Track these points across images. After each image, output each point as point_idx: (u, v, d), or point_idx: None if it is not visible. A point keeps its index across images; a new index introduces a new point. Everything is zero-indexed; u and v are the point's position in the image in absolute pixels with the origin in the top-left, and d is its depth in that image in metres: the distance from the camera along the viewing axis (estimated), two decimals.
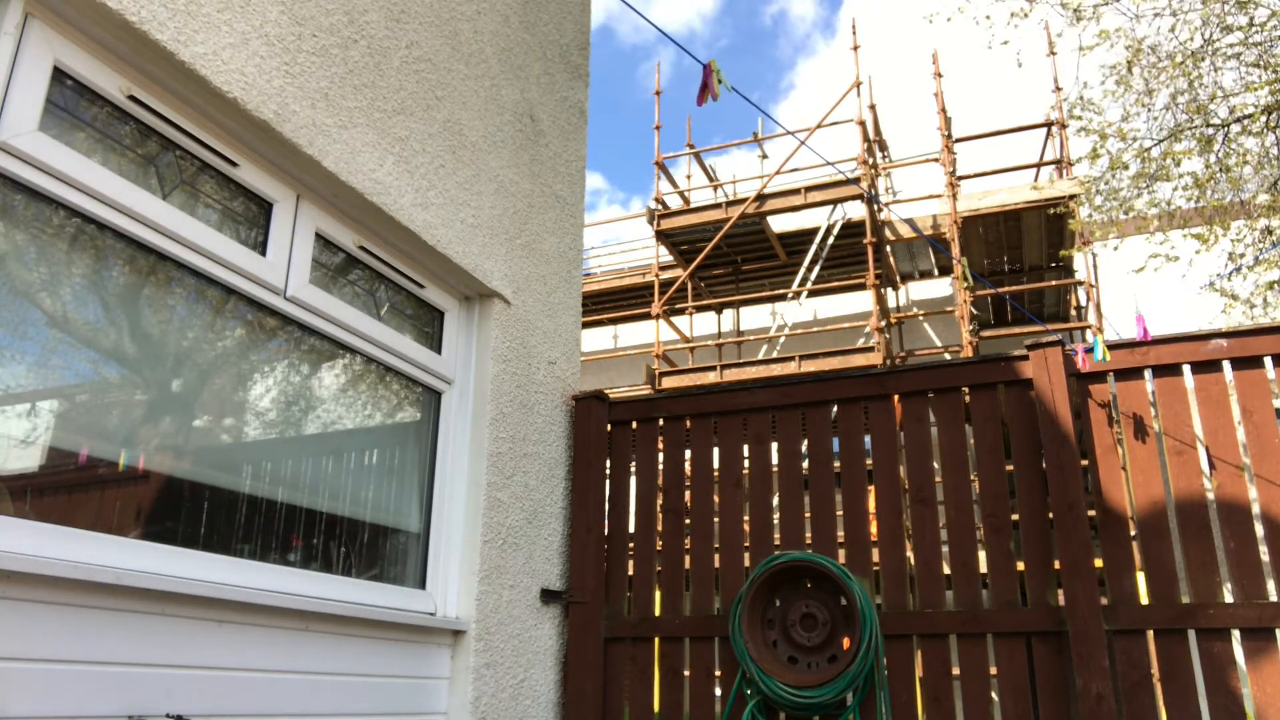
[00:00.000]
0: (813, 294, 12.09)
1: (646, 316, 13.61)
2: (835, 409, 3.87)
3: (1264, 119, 7.55)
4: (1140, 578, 3.25)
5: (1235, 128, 7.81)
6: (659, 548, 4.00)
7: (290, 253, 2.98)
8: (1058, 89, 11.09)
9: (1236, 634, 3.05)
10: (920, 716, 3.38)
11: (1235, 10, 7.58)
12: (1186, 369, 3.39)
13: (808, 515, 3.78)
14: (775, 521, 3.86)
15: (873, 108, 11.58)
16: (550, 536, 3.96)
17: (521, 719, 3.59)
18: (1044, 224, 10.95)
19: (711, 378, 10.94)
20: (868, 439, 3.78)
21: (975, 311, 11.13)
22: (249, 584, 2.62)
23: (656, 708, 3.76)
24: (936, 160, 11.58)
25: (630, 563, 4.02)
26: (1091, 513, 3.34)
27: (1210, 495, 3.23)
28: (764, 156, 13.74)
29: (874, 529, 3.65)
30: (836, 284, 11.74)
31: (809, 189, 11.11)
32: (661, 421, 4.16)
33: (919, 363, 4.23)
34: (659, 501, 4.08)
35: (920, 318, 12.45)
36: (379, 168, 3.18)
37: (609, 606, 3.95)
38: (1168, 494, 3.30)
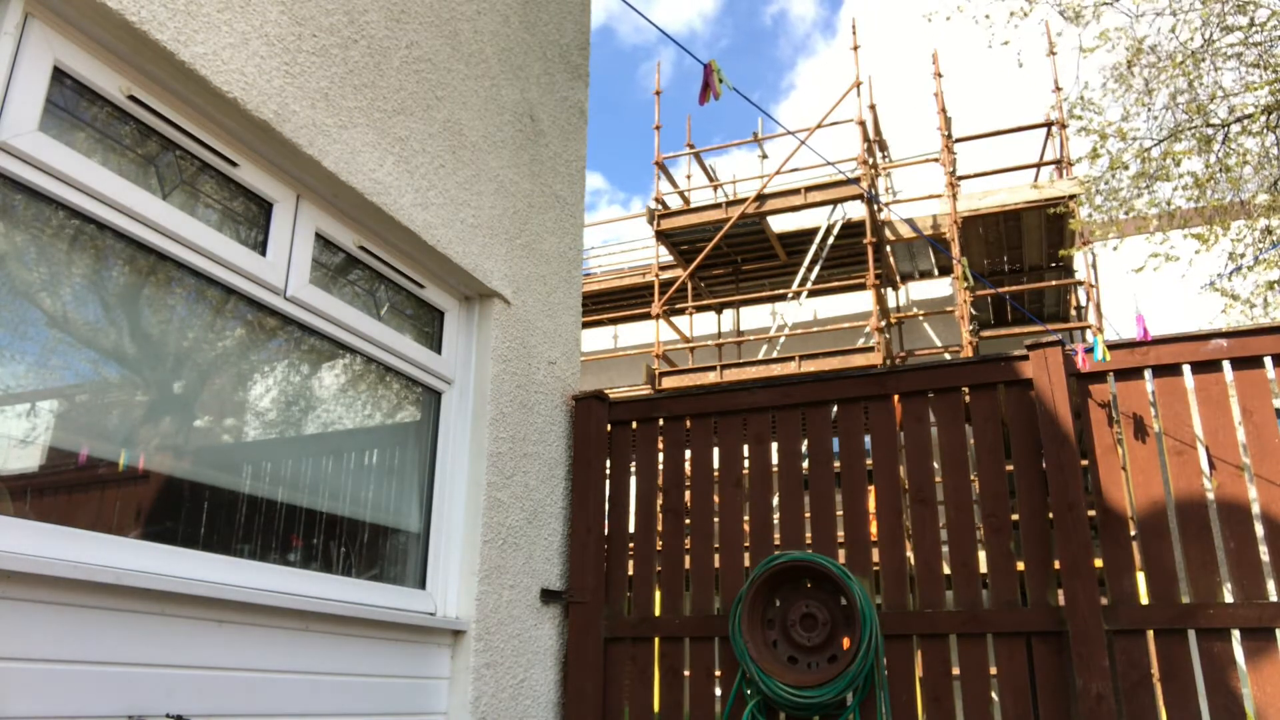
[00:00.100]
0: (813, 294, 12.09)
1: (646, 316, 13.61)
2: (835, 409, 3.87)
3: (1264, 119, 7.55)
4: (1140, 578, 3.25)
5: (1235, 128, 7.82)
6: (659, 548, 4.00)
7: (290, 253, 2.98)
8: (1058, 89, 11.10)
9: (1236, 634, 3.05)
10: (920, 716, 3.38)
11: (1235, 11, 7.58)
12: (1186, 369, 3.39)
13: (808, 515, 3.78)
14: (775, 521, 3.86)
15: (873, 108, 11.58)
16: (550, 536, 3.96)
17: (521, 719, 3.59)
18: (1044, 224, 10.95)
19: (711, 378, 10.94)
20: (868, 439, 3.78)
21: (975, 311, 11.13)
22: (249, 584, 2.62)
23: (656, 708, 3.76)
24: (936, 160, 11.58)
25: (630, 563, 4.02)
26: (1091, 513, 3.34)
27: (1210, 495, 3.23)
28: (764, 156, 13.75)
29: (874, 529, 3.65)
30: (836, 284, 11.74)
31: (809, 189, 11.11)
32: (661, 421, 4.16)
33: (919, 363, 4.23)
34: (659, 501, 4.08)
35: (920, 318, 12.45)
36: (379, 168, 3.18)
37: (609, 606, 3.96)
38: (1168, 494, 3.30)
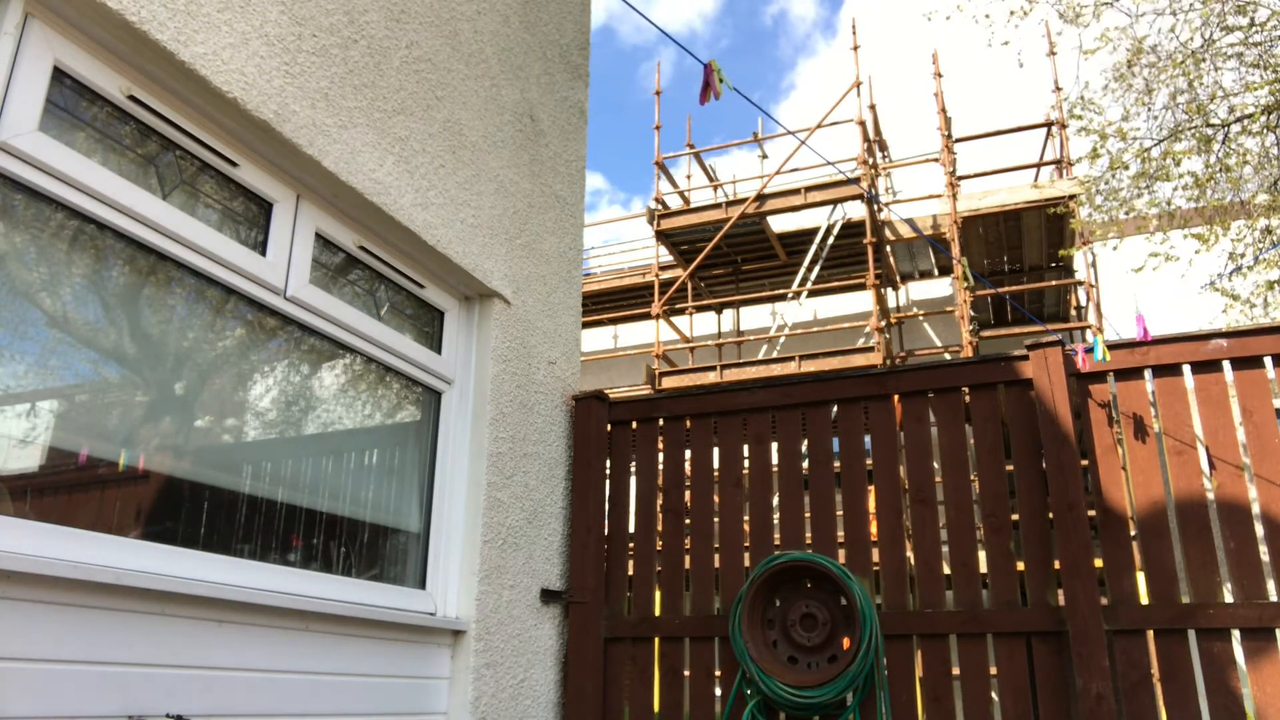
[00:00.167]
0: (813, 294, 12.09)
1: (646, 316, 13.61)
2: (835, 409, 3.87)
3: (1264, 119, 7.55)
4: (1140, 578, 3.25)
5: (1235, 128, 7.82)
6: (659, 548, 4.00)
7: (290, 253, 2.98)
8: (1058, 89, 11.10)
9: (1236, 634, 3.05)
10: (920, 716, 3.38)
11: (1235, 11, 7.58)
12: (1186, 369, 3.39)
13: (808, 515, 3.78)
14: (775, 521, 3.86)
15: (873, 108, 11.58)
16: (550, 536, 3.96)
17: (521, 719, 3.59)
18: (1044, 224, 10.95)
19: (711, 378, 10.94)
20: (868, 439, 3.78)
21: (975, 312, 11.13)
22: (249, 584, 2.62)
23: (656, 708, 3.76)
24: (936, 160, 11.58)
25: (630, 563, 4.02)
26: (1091, 513, 3.34)
27: (1210, 495, 3.23)
28: (764, 156, 13.75)
29: (874, 529, 3.65)
30: (836, 284, 11.74)
31: (809, 189, 11.11)
32: (661, 421, 4.16)
33: (919, 363, 4.23)
34: (659, 501, 4.08)
35: (920, 318, 12.45)
36: (379, 168, 3.18)
37: (609, 606, 3.95)
38: (1168, 494, 3.30)
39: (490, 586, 3.50)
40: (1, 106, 2.16)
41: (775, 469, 3.94)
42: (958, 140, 11.28)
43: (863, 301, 12.36)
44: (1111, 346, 3.48)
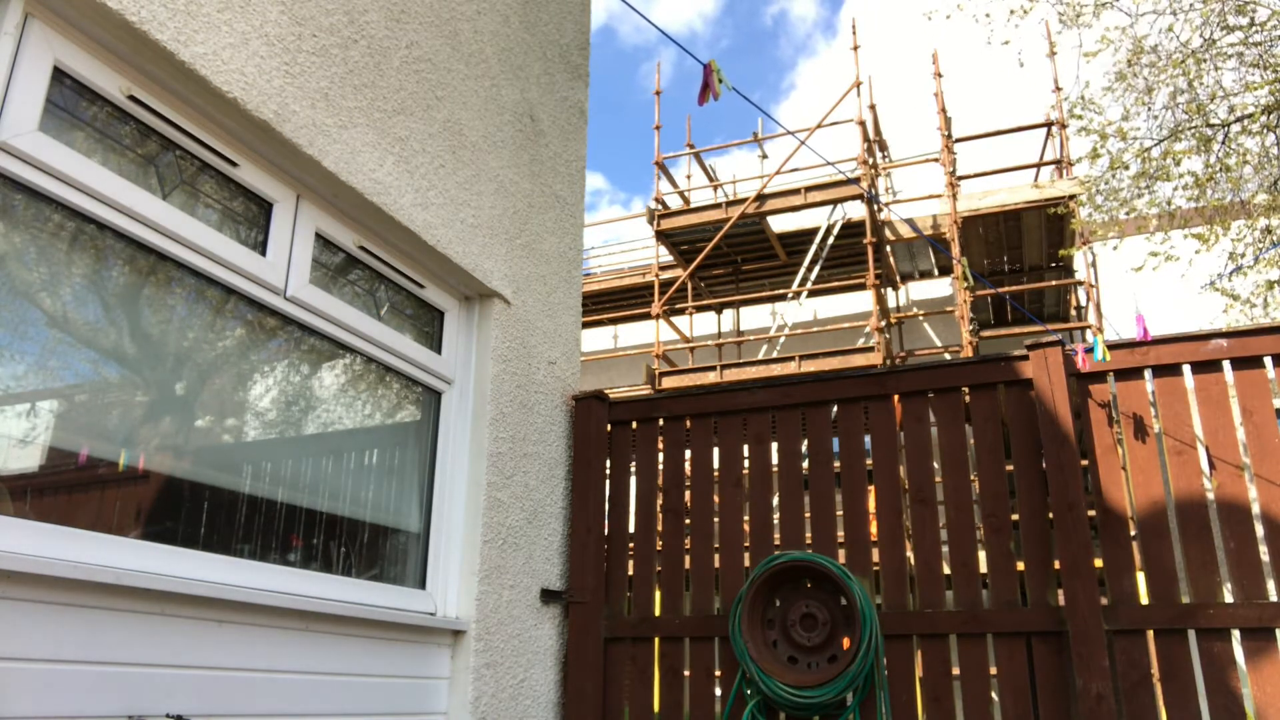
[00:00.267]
0: (813, 294, 12.09)
1: (646, 316, 13.61)
2: (835, 409, 3.87)
3: (1264, 119, 7.55)
4: (1140, 578, 3.25)
5: (1235, 127, 7.82)
6: (659, 548, 4.00)
7: (290, 253, 2.98)
8: (1058, 89, 11.10)
9: (1236, 634, 3.05)
10: (920, 716, 3.38)
11: (1235, 11, 7.58)
12: (1186, 369, 3.39)
13: (808, 515, 3.78)
14: (775, 521, 3.86)
15: (873, 108, 11.58)
16: (550, 536, 3.96)
17: (521, 719, 3.59)
18: (1044, 224, 10.95)
19: (711, 378, 10.94)
20: (868, 439, 3.78)
21: (975, 312, 11.13)
22: (249, 584, 2.62)
23: (656, 708, 3.76)
24: (936, 160, 11.58)
25: (630, 563, 4.02)
26: (1091, 513, 3.34)
27: (1210, 495, 3.23)
28: (764, 156, 13.75)
29: (874, 529, 3.65)
30: (836, 284, 11.74)
31: (809, 189, 11.11)
32: (661, 421, 4.16)
33: (919, 363, 4.23)
34: (659, 501, 4.08)
35: (920, 318, 12.45)
36: (379, 168, 3.18)
37: (609, 606, 3.95)
38: (1168, 494, 3.30)
39: (490, 586, 3.50)
40: (1, 106, 2.16)
41: (775, 469, 3.94)
42: (958, 140, 11.28)
43: (863, 301, 12.36)
44: (1111, 346, 3.48)
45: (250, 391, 2.92)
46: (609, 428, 4.22)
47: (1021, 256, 11.85)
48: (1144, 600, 3.21)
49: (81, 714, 2.14)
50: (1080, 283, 10.60)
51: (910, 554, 3.60)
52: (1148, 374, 3.44)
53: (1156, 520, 3.27)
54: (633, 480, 4.15)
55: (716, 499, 3.96)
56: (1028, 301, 12.07)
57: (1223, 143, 7.88)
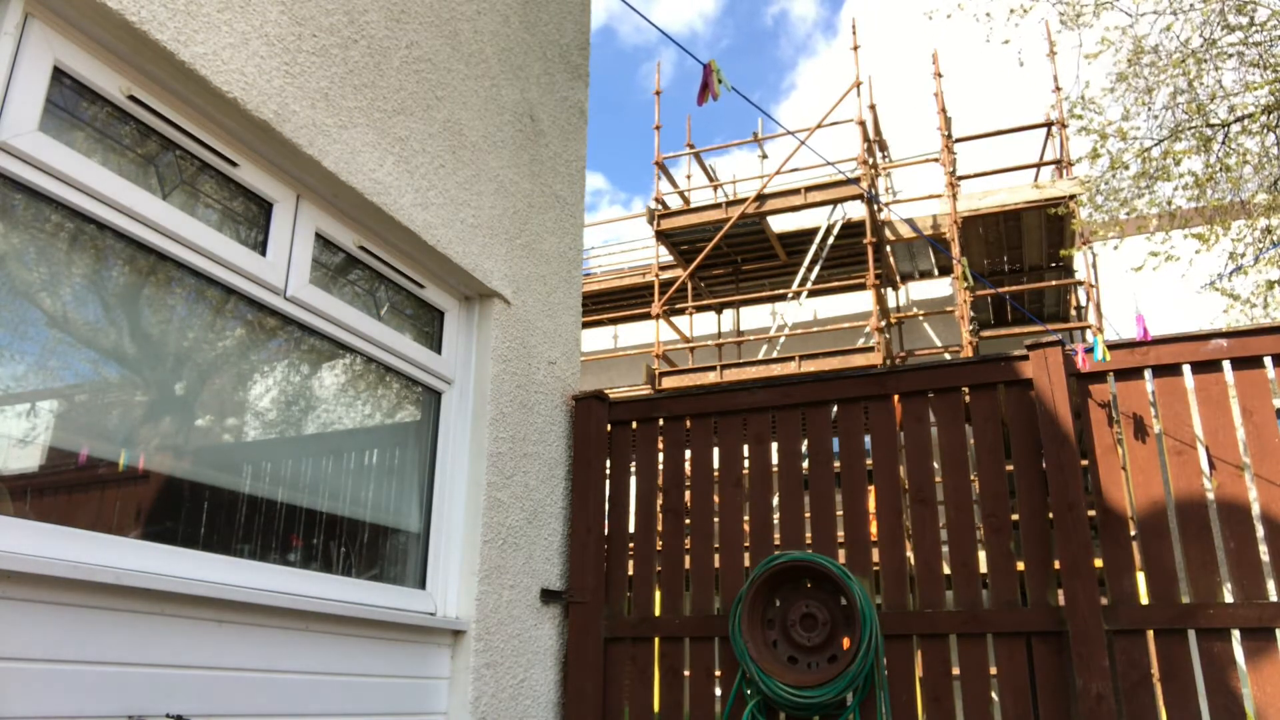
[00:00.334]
0: (813, 294, 12.09)
1: (646, 316, 13.61)
2: (835, 409, 3.87)
3: (1264, 118, 7.55)
4: (1140, 578, 3.25)
5: (1235, 127, 7.82)
6: (659, 548, 4.00)
7: (290, 253, 2.98)
8: (1058, 89, 11.10)
9: (1236, 634, 3.05)
10: (920, 716, 3.38)
11: (1234, 10, 7.58)
12: (1186, 369, 3.39)
13: (808, 515, 3.78)
14: (775, 521, 3.86)
15: (873, 108, 11.58)
16: (550, 536, 3.96)
17: (521, 719, 3.59)
18: (1044, 224, 10.95)
19: (711, 378, 10.94)
20: (868, 439, 3.78)
21: (975, 312, 11.13)
22: (249, 584, 2.62)
23: (656, 708, 3.76)
24: (936, 160, 11.58)
25: (630, 563, 4.02)
26: (1091, 513, 3.34)
27: (1210, 495, 3.23)
28: (764, 156, 13.75)
29: (874, 529, 3.65)
30: (836, 284, 11.74)
31: (809, 189, 11.11)
32: (661, 421, 4.16)
33: (919, 363, 4.23)
34: (659, 501, 4.08)
35: (920, 318, 12.45)
36: (379, 168, 3.18)
37: (609, 606, 3.95)
38: (1168, 494, 3.30)
39: (490, 586, 3.50)
40: (1, 106, 2.16)
41: (775, 469, 3.94)
42: (958, 140, 11.28)
43: (863, 301, 12.36)
44: (1111, 346, 3.48)
45: (250, 391, 2.92)
46: (609, 428, 4.22)
47: (1021, 256, 11.85)
48: (1144, 600, 3.21)
49: (81, 714, 2.14)
50: (1080, 283, 10.60)
51: (910, 554, 3.60)
52: (1148, 374, 3.44)
53: (1156, 520, 3.27)
54: (633, 480, 4.15)
55: (716, 499, 3.96)
56: (1028, 301, 12.07)
57: (1223, 143, 7.88)
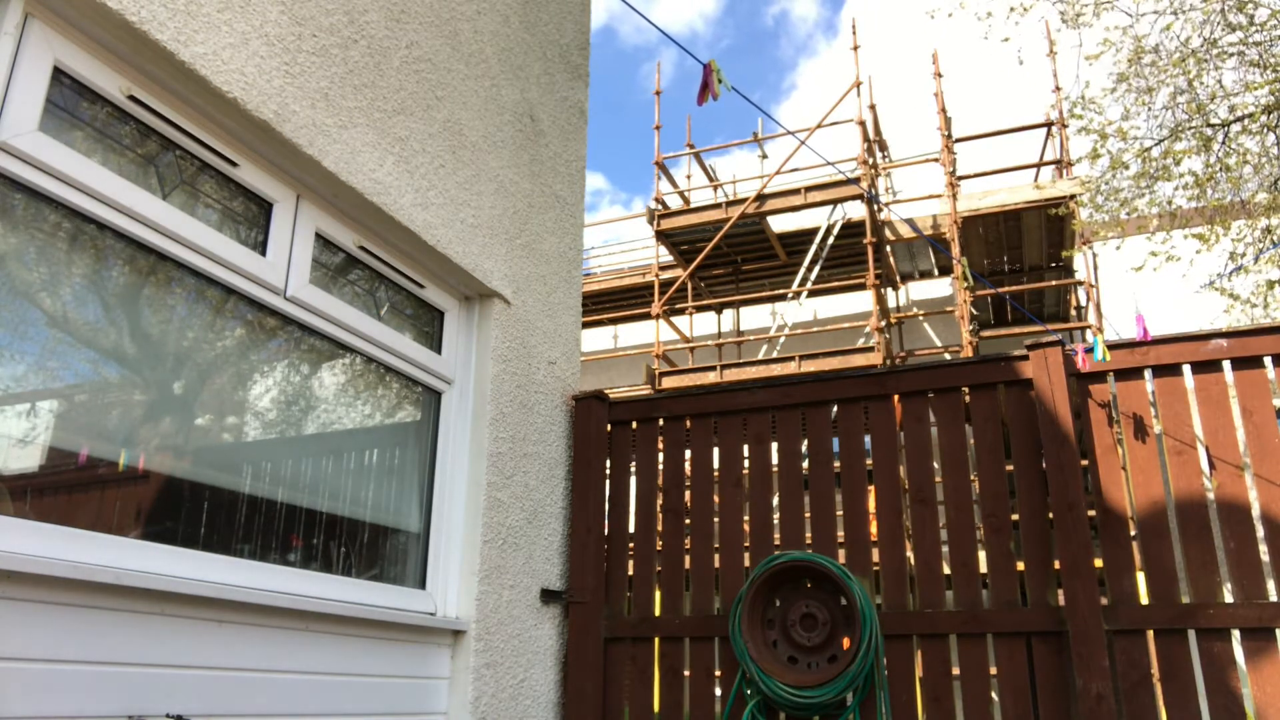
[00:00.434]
0: (813, 294, 12.09)
1: (646, 316, 13.61)
2: (835, 409, 3.87)
3: (1264, 118, 7.55)
4: (1140, 578, 3.25)
5: (1235, 127, 7.82)
6: (659, 548, 4.00)
7: (290, 253, 2.98)
8: (1058, 89, 11.10)
9: (1236, 634, 3.05)
10: (920, 716, 3.38)
11: (1235, 9, 7.59)
12: (1186, 369, 3.39)
13: (808, 515, 3.78)
14: (775, 521, 3.86)
15: (873, 108, 11.58)
16: (550, 536, 3.96)
17: (521, 719, 3.59)
18: (1044, 224, 10.95)
19: (711, 378, 10.94)
20: (868, 439, 3.78)
21: (975, 311, 11.13)
22: (249, 584, 2.62)
23: (656, 708, 3.76)
24: (936, 160, 11.58)
25: (630, 563, 4.02)
26: (1091, 513, 3.34)
27: (1210, 495, 3.23)
28: (764, 156, 13.75)
29: (874, 529, 3.65)
30: (836, 284, 11.74)
31: (809, 189, 11.11)
32: (661, 421, 4.16)
33: (919, 363, 4.23)
34: (659, 501, 4.08)
35: (920, 318, 12.45)
36: (379, 168, 3.18)
37: (609, 606, 3.95)
38: (1168, 494, 3.30)
39: (490, 586, 3.50)
40: (1, 106, 2.16)
41: (775, 469, 3.94)
42: (958, 140, 11.28)
43: (863, 301, 12.36)
44: (1111, 346, 3.48)
45: (250, 391, 2.92)
46: (609, 428, 4.22)
47: (1021, 256, 11.85)
48: (1144, 600, 3.21)
49: (81, 714, 2.14)
50: (1080, 283, 10.60)
51: (910, 554, 3.60)
52: (1148, 374, 3.44)
53: (1156, 520, 3.27)
54: (633, 480, 4.15)
55: (716, 499, 3.96)
56: (1028, 301, 12.07)
57: (1223, 142, 7.88)
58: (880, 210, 11.31)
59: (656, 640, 3.84)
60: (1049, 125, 11.24)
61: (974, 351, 10.43)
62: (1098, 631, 3.15)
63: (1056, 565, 3.32)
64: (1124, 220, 8.70)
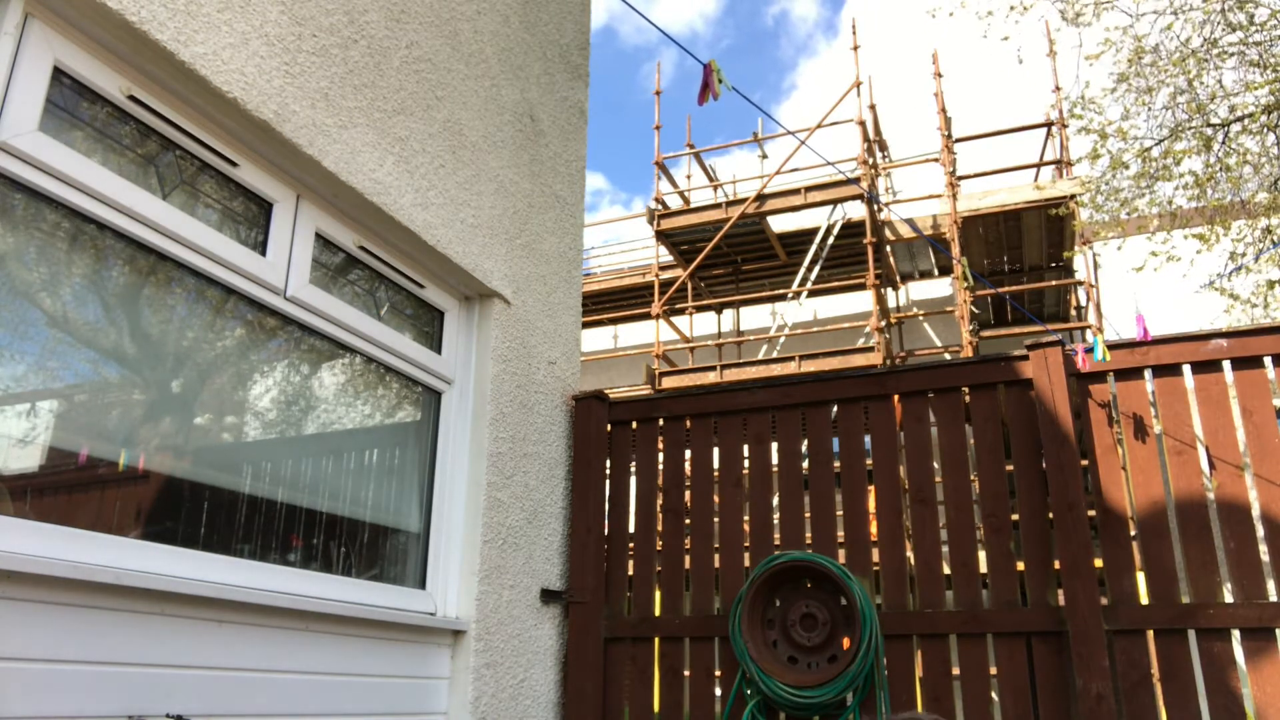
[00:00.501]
0: (813, 294, 12.09)
1: (646, 316, 13.60)
2: (835, 409, 3.87)
3: (1264, 118, 7.55)
4: (1140, 578, 3.25)
5: (1235, 127, 7.82)
6: (659, 548, 4.00)
7: (290, 253, 2.98)
8: (1058, 89, 11.10)
9: (1236, 634, 3.05)
10: None
11: (1235, 8, 7.58)
12: (1186, 369, 3.39)
13: (808, 515, 3.78)
14: (775, 521, 3.86)
15: (873, 108, 11.57)
16: (550, 536, 3.96)
17: (521, 719, 3.59)
18: (1044, 224, 10.95)
19: (711, 378, 10.94)
20: (868, 439, 3.78)
21: (975, 311, 11.13)
22: (249, 584, 2.62)
23: (656, 708, 3.76)
24: (936, 160, 11.58)
25: (630, 563, 4.02)
26: (1091, 513, 3.34)
27: (1210, 495, 3.23)
28: (764, 156, 13.75)
29: (874, 529, 3.65)
30: (836, 284, 11.74)
31: (809, 189, 11.11)
32: (661, 421, 4.16)
33: (919, 363, 4.23)
34: (659, 501, 4.08)
35: (920, 318, 12.45)
36: (379, 168, 3.18)
37: (609, 606, 3.95)
38: (1168, 494, 3.30)
39: (490, 586, 3.50)
40: (1, 106, 2.16)
41: (775, 469, 3.94)
42: (958, 140, 11.28)
43: (863, 301, 12.35)
44: (1111, 346, 3.48)
45: (250, 391, 2.92)
46: (609, 428, 4.22)
47: (1021, 256, 11.85)
48: (1144, 600, 3.21)
49: (81, 714, 2.14)
50: (1080, 283, 10.60)
51: (910, 554, 3.60)
52: (1148, 374, 3.44)
53: (1156, 520, 3.27)
54: (633, 480, 4.15)
55: (716, 499, 3.96)
56: (1028, 301, 12.07)
57: (1223, 142, 7.88)
58: (880, 210, 11.31)
59: (656, 640, 3.84)
60: (1049, 125, 11.24)
61: (974, 351, 10.43)
62: (1098, 631, 3.15)
63: (1056, 565, 3.32)
64: (1124, 220, 8.70)
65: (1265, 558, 3.10)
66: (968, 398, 3.67)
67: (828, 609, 3.57)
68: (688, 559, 3.91)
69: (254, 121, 2.72)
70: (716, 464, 4.02)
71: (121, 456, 2.46)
